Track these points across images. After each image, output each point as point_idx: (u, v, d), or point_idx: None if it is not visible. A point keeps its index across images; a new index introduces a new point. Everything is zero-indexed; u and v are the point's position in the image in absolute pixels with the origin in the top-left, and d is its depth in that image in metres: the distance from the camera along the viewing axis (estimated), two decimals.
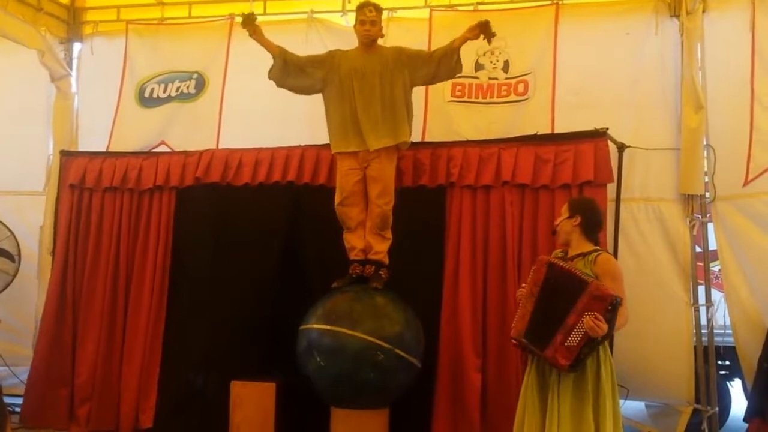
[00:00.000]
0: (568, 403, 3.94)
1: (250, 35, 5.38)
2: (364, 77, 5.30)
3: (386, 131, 5.28)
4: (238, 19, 6.92)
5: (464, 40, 5.21)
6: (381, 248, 5.35)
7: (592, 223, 4.26)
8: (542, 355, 3.96)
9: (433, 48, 6.16)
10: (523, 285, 4.26)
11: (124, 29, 7.24)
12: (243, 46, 6.89)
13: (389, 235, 5.38)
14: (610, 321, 3.84)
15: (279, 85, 5.55)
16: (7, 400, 5.29)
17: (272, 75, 5.49)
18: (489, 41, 5.21)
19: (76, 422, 6.24)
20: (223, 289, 5.99)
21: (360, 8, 5.35)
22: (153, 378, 6.13)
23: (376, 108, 5.26)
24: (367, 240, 5.36)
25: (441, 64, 5.30)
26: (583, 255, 4.14)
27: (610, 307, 3.83)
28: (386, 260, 5.38)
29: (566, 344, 3.86)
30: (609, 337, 3.95)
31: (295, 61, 5.43)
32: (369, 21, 5.30)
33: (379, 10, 5.35)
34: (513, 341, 4.23)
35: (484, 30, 5.13)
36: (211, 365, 5.91)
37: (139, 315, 6.24)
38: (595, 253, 4.14)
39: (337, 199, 5.40)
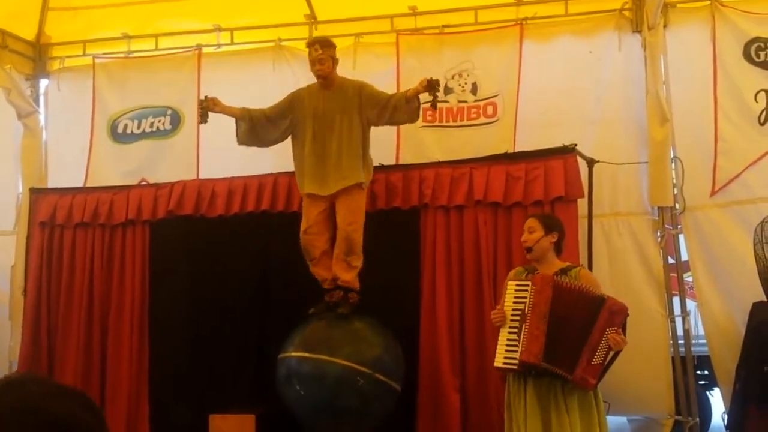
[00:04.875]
0: (578, 420, 3.99)
1: (212, 110, 5.36)
2: (324, 118, 5.29)
3: (344, 173, 5.23)
4: (207, 50, 7.01)
5: (416, 92, 5.14)
6: (347, 277, 5.26)
7: (562, 239, 4.37)
8: (569, 377, 3.93)
9: (401, 74, 6.37)
10: (498, 307, 4.21)
11: (91, 64, 7.22)
12: (213, 77, 6.94)
13: (356, 262, 5.28)
14: (625, 332, 3.99)
15: (250, 145, 5.58)
16: None
17: (241, 140, 5.48)
18: (434, 104, 5.12)
19: None
20: (202, 321, 5.95)
21: (308, 47, 5.35)
22: (143, 415, 6.05)
23: (334, 149, 5.24)
24: (333, 270, 5.27)
25: (396, 111, 5.23)
26: (564, 271, 4.19)
27: (625, 319, 3.98)
28: (355, 285, 5.30)
29: (593, 363, 3.92)
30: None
31: (260, 116, 5.43)
32: (317, 60, 5.25)
33: (326, 45, 5.30)
34: (510, 366, 4.07)
35: (429, 87, 5.04)
36: (192, 398, 5.84)
37: (121, 351, 6.16)
38: (575, 269, 4.22)
39: (302, 227, 5.36)
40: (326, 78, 5.31)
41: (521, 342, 4.01)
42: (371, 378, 5.00)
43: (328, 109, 5.29)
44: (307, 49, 6.73)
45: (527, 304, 4.04)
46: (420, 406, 5.50)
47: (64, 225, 6.47)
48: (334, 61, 5.33)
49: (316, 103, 5.34)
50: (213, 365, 5.84)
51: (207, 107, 5.32)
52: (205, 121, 5.41)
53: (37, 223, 6.56)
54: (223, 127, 6.60)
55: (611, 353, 3.97)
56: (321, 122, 5.28)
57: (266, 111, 5.44)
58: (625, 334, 3.99)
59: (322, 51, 5.24)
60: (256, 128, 5.42)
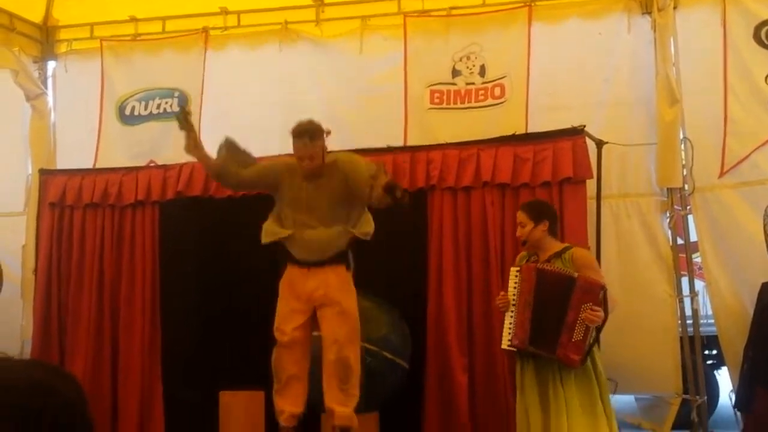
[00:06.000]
0: (576, 397, 4.13)
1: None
2: (308, 209, 4.58)
3: (331, 244, 4.56)
4: (214, 32, 7.00)
5: (378, 193, 4.23)
6: (344, 411, 4.45)
7: (555, 222, 4.52)
8: (554, 357, 4.12)
9: (408, 57, 6.44)
10: (503, 293, 4.41)
11: (99, 46, 7.23)
12: (219, 59, 6.95)
13: (356, 390, 4.50)
14: (605, 307, 4.11)
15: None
16: None
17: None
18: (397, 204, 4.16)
19: None
20: (212, 301, 5.97)
21: (294, 137, 4.45)
22: (157, 394, 6.09)
23: (320, 232, 4.56)
24: (326, 403, 4.52)
25: (372, 201, 4.35)
26: (558, 255, 4.33)
27: (601, 295, 4.12)
28: (354, 423, 4.52)
29: (573, 340, 4.08)
30: (606, 321, 4.15)
31: (233, 175, 4.75)
32: (307, 156, 4.44)
33: (317, 136, 4.44)
34: (512, 349, 4.31)
35: (387, 189, 4.12)
36: (204, 377, 5.85)
37: (132, 330, 6.18)
38: (569, 251, 4.35)
39: (275, 325, 4.66)
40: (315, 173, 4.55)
41: (512, 328, 4.27)
42: (379, 356, 5.03)
43: (312, 201, 4.57)
44: (314, 33, 6.84)
45: (517, 292, 4.28)
46: (427, 386, 5.51)
47: (73, 206, 6.47)
48: (324, 150, 4.52)
49: (297, 193, 4.61)
50: (223, 345, 5.86)
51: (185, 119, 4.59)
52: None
53: (47, 203, 6.57)
54: (226, 109, 6.67)
55: (592, 329, 4.13)
56: (304, 213, 4.59)
57: (242, 174, 4.72)
58: (606, 309, 4.12)
59: (311, 143, 4.42)
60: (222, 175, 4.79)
